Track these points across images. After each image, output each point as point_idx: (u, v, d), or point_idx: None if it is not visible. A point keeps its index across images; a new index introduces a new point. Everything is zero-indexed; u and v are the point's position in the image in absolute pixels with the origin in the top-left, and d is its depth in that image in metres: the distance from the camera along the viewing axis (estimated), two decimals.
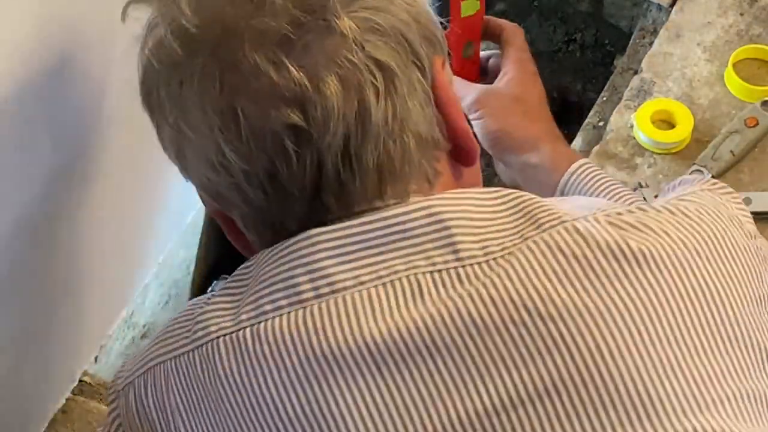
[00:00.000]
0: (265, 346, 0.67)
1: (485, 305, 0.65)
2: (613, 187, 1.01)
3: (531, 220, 0.69)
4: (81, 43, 0.93)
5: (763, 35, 1.32)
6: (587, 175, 1.03)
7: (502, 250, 0.67)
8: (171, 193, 1.20)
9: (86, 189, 1.03)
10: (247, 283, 0.71)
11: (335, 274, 0.68)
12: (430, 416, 0.65)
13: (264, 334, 0.68)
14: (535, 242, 0.67)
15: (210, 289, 1.35)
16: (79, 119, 0.97)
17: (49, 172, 0.95)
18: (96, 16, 0.93)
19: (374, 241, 0.68)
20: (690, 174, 1.17)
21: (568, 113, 1.74)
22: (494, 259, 0.67)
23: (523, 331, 0.65)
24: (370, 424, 0.65)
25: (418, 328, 0.66)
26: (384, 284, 0.67)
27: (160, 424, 0.74)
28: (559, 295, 0.65)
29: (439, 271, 0.67)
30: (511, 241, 0.68)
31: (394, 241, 0.68)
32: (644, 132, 1.22)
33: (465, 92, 1.06)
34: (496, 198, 0.70)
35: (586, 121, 1.34)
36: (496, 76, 1.10)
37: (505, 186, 0.91)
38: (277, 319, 0.68)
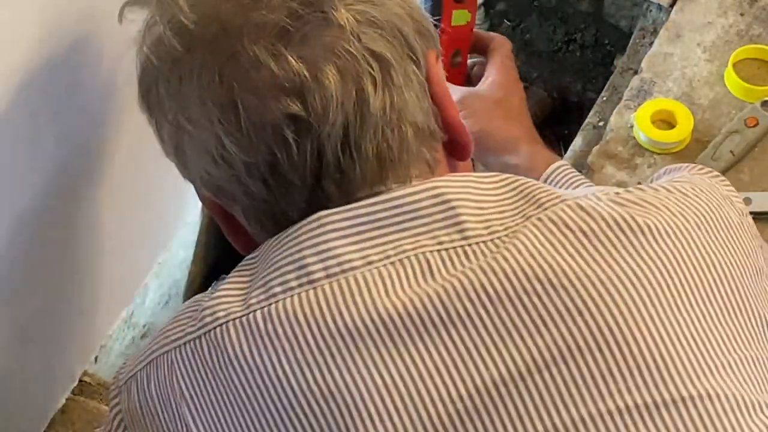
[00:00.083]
0: (278, 326, 0.68)
1: (497, 276, 0.67)
2: (589, 187, 1.02)
3: (531, 201, 0.70)
4: (83, 42, 0.93)
5: (763, 35, 1.32)
6: (564, 176, 1.05)
7: (505, 229, 0.69)
8: (171, 193, 1.20)
9: (86, 189, 1.03)
10: (255, 270, 0.72)
11: (344, 254, 0.69)
12: (446, 386, 0.65)
13: (276, 314, 0.68)
14: (539, 219, 0.69)
15: (210, 289, 1.35)
16: (79, 119, 0.97)
17: (48, 173, 0.95)
18: (97, 16, 0.93)
19: (381, 221, 0.70)
20: None
21: (568, 113, 1.74)
22: (499, 238, 0.68)
23: (536, 300, 0.66)
24: (387, 397, 0.65)
25: (431, 301, 0.67)
26: (393, 263, 0.68)
27: (163, 414, 0.73)
28: (570, 266, 0.67)
29: (447, 249, 0.69)
30: (513, 221, 0.69)
31: (401, 222, 0.69)
32: (644, 132, 1.22)
33: None
34: (496, 181, 0.72)
35: (586, 121, 1.34)
36: (479, 82, 1.12)
37: None
38: (288, 300, 0.68)
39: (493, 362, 0.65)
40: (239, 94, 0.70)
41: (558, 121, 1.73)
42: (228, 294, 0.71)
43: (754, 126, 1.21)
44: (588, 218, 0.69)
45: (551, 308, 0.66)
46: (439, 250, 0.69)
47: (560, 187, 1.04)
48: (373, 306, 0.67)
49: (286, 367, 0.67)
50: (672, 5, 1.38)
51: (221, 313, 0.70)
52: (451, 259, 0.68)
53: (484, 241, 0.69)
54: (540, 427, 0.64)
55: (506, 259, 0.67)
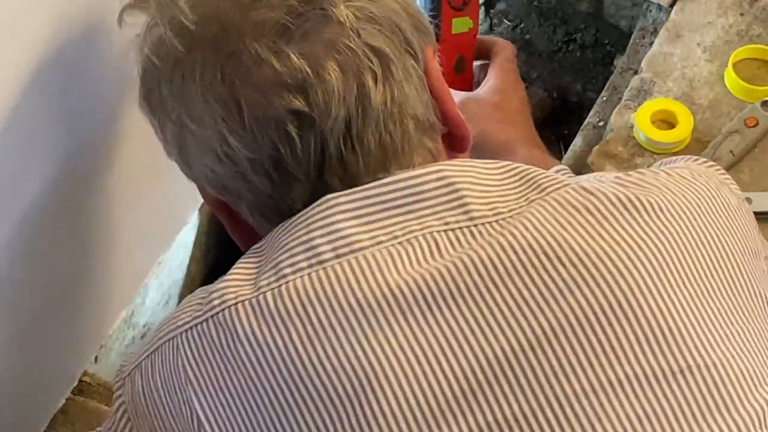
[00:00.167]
0: (289, 305, 0.68)
1: (505, 252, 0.68)
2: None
3: (533, 186, 0.72)
4: (85, 40, 0.93)
5: (763, 35, 1.32)
6: None
7: (510, 211, 0.70)
8: (171, 193, 1.20)
9: (86, 190, 1.03)
10: (263, 256, 0.72)
11: (353, 235, 0.69)
12: (457, 358, 0.66)
13: (287, 294, 0.69)
14: (545, 200, 0.70)
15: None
16: (77, 121, 0.97)
17: (48, 173, 0.95)
18: (98, 16, 0.93)
19: (388, 203, 0.71)
20: None
21: (568, 113, 1.74)
22: (504, 218, 0.70)
23: (544, 274, 0.67)
24: (398, 370, 0.66)
25: (442, 276, 0.68)
26: (401, 243, 0.69)
27: (167, 400, 0.73)
28: (576, 241, 0.68)
29: (453, 229, 0.70)
30: (517, 203, 0.71)
31: (407, 204, 0.71)
32: (644, 132, 1.22)
33: None
34: (498, 167, 0.73)
35: (586, 121, 1.34)
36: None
37: None
38: (299, 280, 0.69)
39: (503, 334, 0.66)
40: (242, 92, 0.71)
41: (558, 121, 1.73)
42: (236, 278, 0.72)
43: (754, 126, 1.21)
44: (592, 197, 0.70)
45: (559, 281, 0.67)
46: (446, 230, 0.70)
47: None
48: (384, 282, 0.67)
49: (298, 344, 0.67)
50: (672, 5, 1.38)
51: (230, 296, 0.70)
52: (458, 239, 0.69)
53: (489, 222, 0.70)
54: (551, 396, 0.65)
55: (513, 236, 0.68)
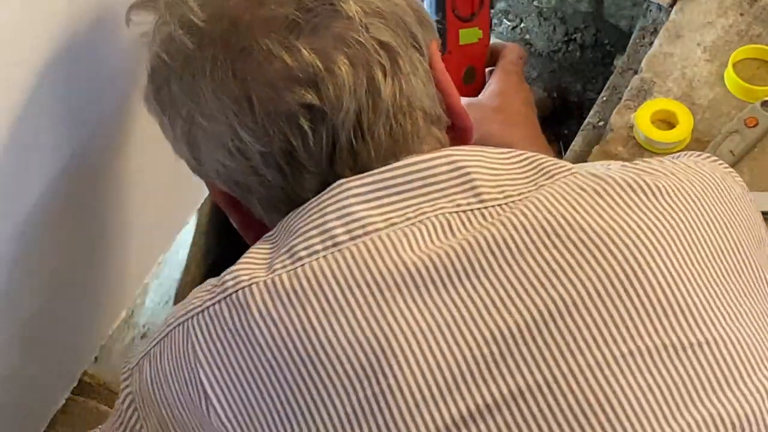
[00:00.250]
0: (305, 282, 0.69)
1: (516, 231, 0.69)
2: None
3: (542, 171, 0.73)
4: (87, 39, 0.93)
5: (763, 35, 1.32)
6: None
7: (519, 194, 0.71)
8: (171, 193, 1.20)
9: (86, 189, 1.03)
10: (276, 242, 0.73)
11: (367, 217, 0.70)
12: (471, 332, 0.67)
13: (303, 275, 0.69)
14: (554, 184, 0.72)
15: None
16: (79, 121, 0.97)
17: (48, 174, 0.95)
18: (102, 14, 0.93)
19: (400, 186, 0.72)
20: None
21: (568, 113, 1.74)
22: (513, 201, 0.71)
23: (555, 252, 0.68)
24: (414, 344, 0.66)
25: (456, 253, 0.69)
26: (414, 224, 0.70)
27: (177, 385, 0.73)
28: (586, 221, 0.69)
29: (465, 211, 0.71)
30: (525, 187, 0.72)
31: (419, 187, 0.72)
32: (644, 132, 1.22)
33: None
34: (505, 154, 0.75)
35: (586, 121, 1.34)
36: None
37: None
38: (314, 263, 0.69)
39: (516, 308, 0.67)
40: (253, 87, 0.73)
41: (558, 121, 1.73)
42: (250, 262, 0.72)
43: (754, 126, 1.21)
44: (601, 182, 0.72)
45: (570, 258, 0.68)
46: (457, 212, 0.71)
47: None
48: (400, 260, 0.68)
49: (314, 320, 0.68)
50: (672, 5, 1.38)
51: (244, 277, 0.71)
52: (469, 220, 0.70)
53: (499, 204, 0.71)
54: (565, 368, 0.66)
55: (524, 215, 0.70)
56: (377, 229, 0.70)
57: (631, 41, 1.45)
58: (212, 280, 0.74)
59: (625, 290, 0.67)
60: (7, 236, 0.93)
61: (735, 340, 0.69)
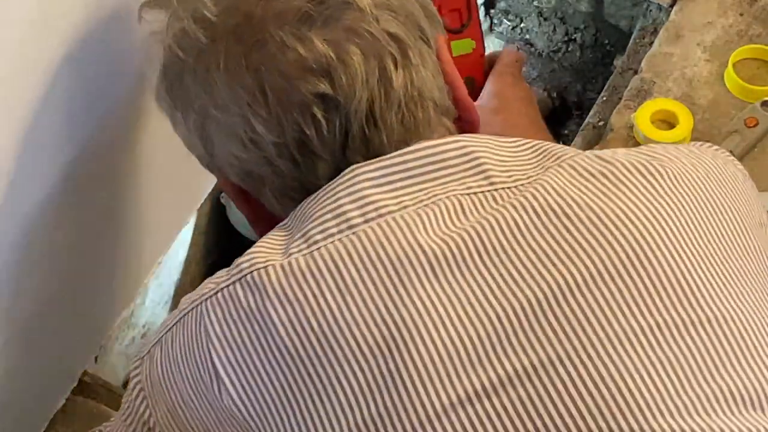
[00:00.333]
0: (321, 263, 0.70)
1: (526, 212, 0.71)
2: None
3: (548, 155, 0.75)
4: (89, 36, 0.93)
5: (763, 35, 1.32)
6: None
7: (528, 178, 0.73)
8: (171, 193, 1.20)
9: (86, 190, 1.03)
10: (291, 228, 0.74)
11: (380, 200, 0.72)
12: (485, 310, 0.68)
13: (319, 257, 0.70)
14: (560, 166, 0.73)
15: None
16: (79, 123, 0.97)
17: (48, 174, 0.95)
18: (109, 12, 0.93)
19: (412, 171, 0.73)
20: None
21: (568, 113, 1.74)
22: (522, 184, 0.72)
23: (564, 233, 0.70)
24: (429, 321, 0.67)
25: (470, 236, 0.70)
26: (427, 205, 0.72)
27: (188, 369, 0.73)
28: (595, 203, 0.71)
29: (476, 193, 0.72)
30: (534, 171, 0.73)
31: (430, 171, 0.73)
32: (644, 132, 1.22)
33: None
34: (512, 142, 0.76)
35: (586, 121, 1.34)
36: None
37: None
38: (330, 245, 0.70)
39: (528, 287, 0.68)
40: (267, 78, 0.74)
41: (558, 121, 1.73)
42: (265, 248, 0.73)
43: (754, 126, 1.21)
44: (608, 165, 0.73)
45: (579, 238, 0.69)
46: (468, 194, 0.72)
47: None
48: (415, 241, 0.70)
49: (329, 299, 0.69)
50: (672, 5, 1.38)
51: (260, 260, 0.71)
52: (480, 202, 0.72)
53: (509, 187, 0.72)
54: (577, 344, 0.67)
55: (534, 198, 0.71)
56: (390, 212, 0.71)
57: (631, 41, 1.45)
58: (224, 270, 0.74)
59: (634, 268, 0.69)
60: (8, 237, 0.93)
61: (738, 318, 0.70)
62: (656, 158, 0.75)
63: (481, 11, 1.72)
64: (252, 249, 0.73)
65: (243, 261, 0.72)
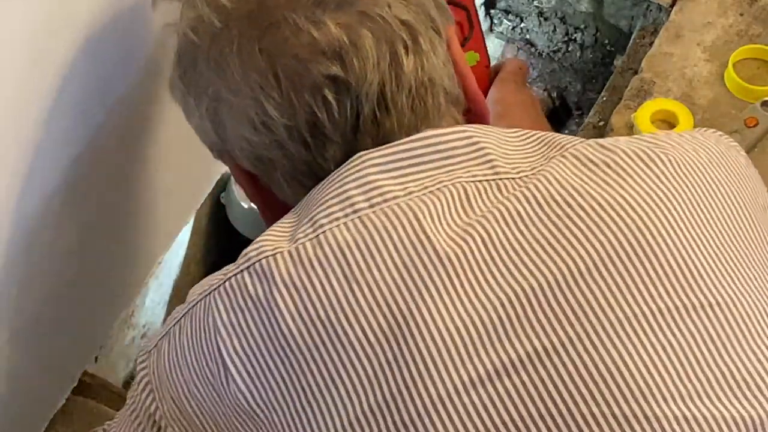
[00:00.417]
0: (327, 249, 0.70)
1: (530, 203, 0.71)
2: None
3: (552, 145, 0.76)
4: (92, 34, 0.93)
5: (763, 35, 1.32)
6: None
7: (532, 169, 0.74)
8: (171, 193, 1.21)
9: (86, 190, 1.03)
10: (299, 215, 0.75)
11: (385, 186, 0.72)
12: (488, 298, 0.69)
13: (325, 241, 0.71)
14: (563, 156, 0.74)
15: None
16: (80, 121, 0.97)
17: (49, 174, 0.95)
18: (104, 11, 0.93)
19: (417, 158, 0.74)
20: None
21: (568, 113, 1.75)
22: (526, 175, 0.73)
23: (568, 221, 0.70)
24: (433, 308, 0.68)
25: (477, 232, 0.70)
26: (432, 192, 0.72)
27: (196, 359, 0.73)
28: (598, 193, 0.71)
29: (480, 181, 0.73)
30: (538, 162, 0.74)
31: (436, 159, 0.74)
32: (644, 132, 1.22)
33: None
34: (518, 134, 0.77)
35: (586, 121, 1.34)
36: None
37: None
38: (335, 229, 0.71)
39: (531, 274, 0.69)
40: (280, 60, 0.75)
41: (558, 121, 1.73)
42: (273, 235, 0.74)
43: (754, 126, 1.21)
44: (610, 153, 0.74)
45: (583, 227, 0.70)
46: (473, 182, 0.73)
47: None
48: (421, 229, 0.70)
49: (336, 288, 0.69)
50: (672, 5, 1.38)
51: (268, 248, 0.72)
52: (485, 190, 0.73)
53: (512, 178, 0.73)
54: (580, 329, 0.67)
55: (537, 188, 0.72)
56: (396, 197, 0.72)
57: (631, 41, 1.45)
58: (229, 265, 0.75)
59: (637, 255, 0.69)
60: (8, 237, 0.93)
61: (741, 303, 0.70)
62: (658, 145, 0.75)
63: (481, 11, 1.73)
64: (260, 237, 0.74)
65: (251, 250, 0.73)
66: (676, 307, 0.69)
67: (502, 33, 1.77)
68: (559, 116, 1.74)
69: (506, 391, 0.66)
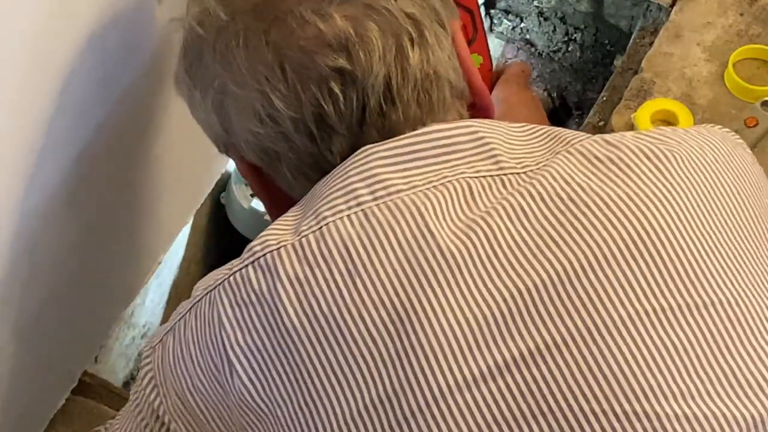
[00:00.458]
0: (330, 243, 0.71)
1: (534, 200, 0.71)
2: None
3: (558, 140, 0.75)
4: (93, 33, 0.93)
5: (763, 35, 1.32)
6: None
7: (536, 164, 0.74)
8: (171, 193, 1.21)
9: (86, 190, 1.03)
10: (304, 209, 0.75)
11: (390, 179, 0.73)
12: (491, 293, 0.69)
13: (328, 234, 0.71)
14: (568, 152, 0.74)
15: None
16: (81, 120, 0.97)
17: (49, 173, 0.95)
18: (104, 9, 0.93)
19: (422, 153, 0.74)
20: None
21: (568, 113, 1.74)
22: (531, 170, 0.73)
23: (572, 218, 0.70)
24: (436, 303, 0.68)
25: (481, 229, 0.70)
26: (436, 186, 0.73)
27: (200, 354, 0.74)
28: (602, 190, 0.71)
29: (484, 176, 0.73)
30: (543, 156, 0.74)
31: (440, 154, 0.74)
32: None
33: None
34: (524, 129, 0.77)
35: (586, 121, 1.34)
36: None
37: None
38: (339, 222, 0.71)
39: (534, 270, 0.69)
40: (286, 53, 0.75)
41: (558, 121, 1.73)
42: (277, 229, 0.74)
43: (754, 126, 1.21)
44: (615, 149, 0.74)
45: (586, 224, 0.70)
46: (477, 177, 0.73)
47: None
48: (425, 226, 0.71)
49: (340, 283, 0.69)
50: (672, 5, 1.38)
51: (272, 242, 0.72)
52: (489, 186, 0.73)
53: (517, 173, 0.73)
54: (582, 326, 0.68)
55: (542, 185, 0.72)
56: (399, 191, 0.72)
57: (631, 41, 1.45)
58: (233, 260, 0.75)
59: (640, 253, 0.69)
60: (8, 237, 0.93)
61: (743, 302, 0.70)
62: (664, 142, 0.75)
63: (481, 11, 1.72)
64: (265, 232, 0.74)
65: (256, 244, 0.73)
66: (678, 306, 0.69)
67: (502, 33, 1.77)
68: (559, 116, 1.74)
69: (507, 388, 0.67)
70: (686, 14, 1.36)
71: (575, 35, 1.71)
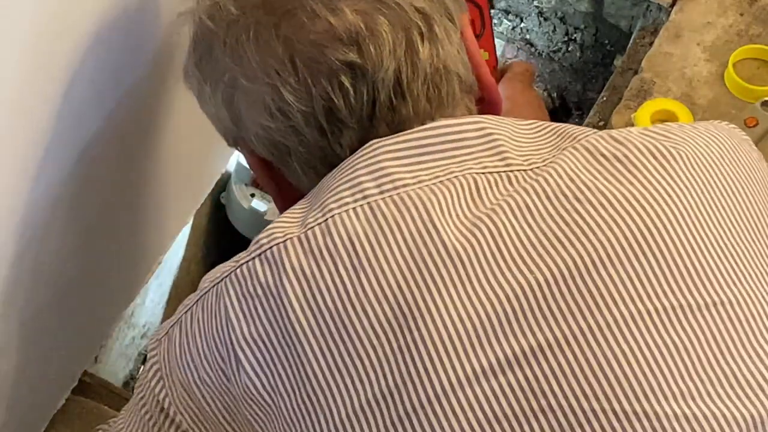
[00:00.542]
0: (336, 236, 0.71)
1: (539, 197, 0.71)
2: None
3: (565, 136, 0.76)
4: (94, 35, 0.93)
5: (763, 35, 1.32)
6: None
7: (543, 161, 0.74)
8: (171, 193, 1.21)
9: (86, 190, 1.03)
10: (311, 201, 0.75)
11: (396, 173, 0.73)
12: (494, 291, 0.69)
13: (333, 227, 0.71)
14: (574, 148, 0.74)
15: None
16: (81, 119, 0.97)
17: (49, 174, 0.95)
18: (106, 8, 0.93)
19: (430, 147, 0.74)
20: None
21: (568, 113, 1.74)
22: (537, 167, 0.73)
23: (576, 216, 0.70)
24: (439, 300, 0.69)
25: (487, 227, 0.71)
26: (442, 182, 0.73)
27: (206, 346, 0.74)
28: (607, 188, 0.71)
29: (491, 172, 0.73)
30: (549, 153, 0.74)
31: (448, 149, 0.74)
32: None
33: None
34: (531, 125, 0.77)
35: (586, 121, 1.34)
36: None
37: None
38: (344, 214, 0.72)
39: (539, 269, 0.69)
40: (297, 47, 0.75)
41: (558, 121, 1.73)
42: (284, 221, 0.74)
43: (754, 126, 1.21)
44: (621, 147, 0.74)
45: (591, 222, 0.70)
46: (484, 173, 0.73)
47: None
48: (431, 222, 0.71)
49: (344, 276, 0.70)
50: (672, 5, 1.38)
51: (279, 234, 0.73)
52: (495, 182, 0.73)
53: (524, 170, 0.73)
54: (584, 325, 0.68)
55: (547, 182, 0.72)
56: (406, 185, 0.72)
57: (631, 41, 1.45)
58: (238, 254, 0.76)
59: (644, 252, 0.69)
60: (8, 236, 0.93)
61: (748, 302, 0.70)
62: (670, 139, 0.75)
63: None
64: (272, 224, 0.74)
65: (263, 237, 0.73)
66: (681, 306, 0.69)
67: (502, 33, 1.77)
68: (559, 116, 1.74)
69: (509, 385, 0.67)
70: (686, 14, 1.36)
71: (575, 35, 1.71)
